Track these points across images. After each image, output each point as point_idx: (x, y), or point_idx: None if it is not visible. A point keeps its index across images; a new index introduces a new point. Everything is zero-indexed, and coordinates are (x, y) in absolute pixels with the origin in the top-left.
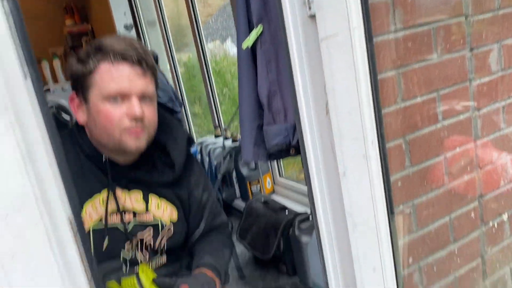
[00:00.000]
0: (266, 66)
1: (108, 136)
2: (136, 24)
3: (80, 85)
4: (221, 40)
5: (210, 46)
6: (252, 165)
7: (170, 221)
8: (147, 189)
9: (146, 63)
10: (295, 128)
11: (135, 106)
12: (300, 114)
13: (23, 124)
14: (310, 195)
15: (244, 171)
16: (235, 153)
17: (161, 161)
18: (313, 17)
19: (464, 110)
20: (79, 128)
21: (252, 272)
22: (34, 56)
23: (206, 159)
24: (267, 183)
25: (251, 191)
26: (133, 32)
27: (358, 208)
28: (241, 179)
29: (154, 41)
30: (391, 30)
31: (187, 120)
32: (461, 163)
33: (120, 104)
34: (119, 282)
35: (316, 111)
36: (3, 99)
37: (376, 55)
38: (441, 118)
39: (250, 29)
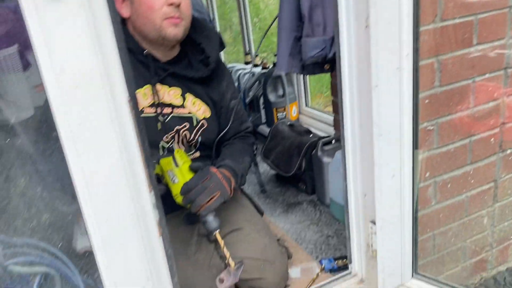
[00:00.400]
0: None
1: (150, 24)
2: None
3: None
4: None
5: None
6: (280, 91)
7: (204, 117)
8: (185, 87)
9: None
10: (333, 41)
11: None
12: (340, 26)
13: (93, 6)
14: (340, 105)
15: (272, 97)
16: (264, 80)
17: (196, 59)
18: None
19: (499, 37)
20: (122, 24)
21: (273, 188)
22: None
23: (235, 84)
24: (293, 111)
25: (277, 117)
26: None
27: (386, 119)
28: (268, 105)
29: None
30: None
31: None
32: (489, 89)
33: None
34: (158, 162)
35: (356, 24)
36: None
37: None
38: (475, 42)
39: None
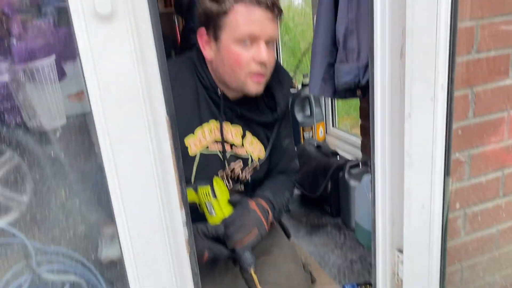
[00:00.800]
0: (347, 5)
1: (233, 76)
2: None
3: (213, 23)
4: None
5: None
6: (307, 111)
7: (258, 158)
8: (246, 126)
9: (277, 7)
10: (366, 68)
11: (263, 51)
12: (375, 54)
13: (140, 30)
14: (371, 132)
15: (299, 117)
16: (292, 99)
17: (263, 102)
18: None
19: None
20: (201, 59)
21: (298, 209)
22: None
23: None
24: (320, 131)
25: (303, 137)
26: None
27: (418, 149)
28: (295, 124)
29: None
30: None
31: None
32: None
33: (249, 48)
34: (196, 190)
35: (391, 52)
36: (127, 5)
37: (459, 2)
38: (511, 75)
39: None
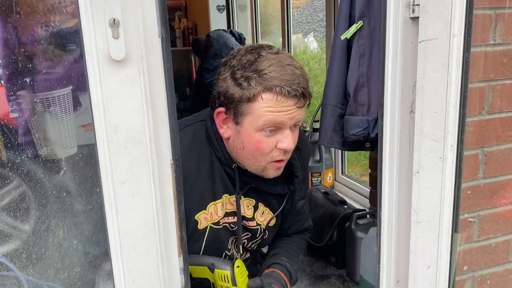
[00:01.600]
0: (359, 59)
1: (253, 161)
2: (228, 7)
3: (234, 107)
4: (303, 34)
5: (291, 38)
6: (317, 157)
7: (267, 225)
8: (259, 198)
9: (307, 94)
10: (376, 122)
11: (288, 141)
12: (384, 109)
13: (151, 74)
14: (379, 187)
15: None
16: None
17: (282, 173)
18: (414, 19)
19: None
20: (216, 132)
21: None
22: (167, 19)
23: None
24: (328, 177)
25: (311, 182)
26: (223, 14)
27: (425, 207)
28: None
29: (242, 25)
30: (490, 43)
31: None
32: None
33: (273, 135)
34: (212, 270)
35: (401, 108)
36: (140, 50)
37: (470, 63)
38: None
39: (350, 23)
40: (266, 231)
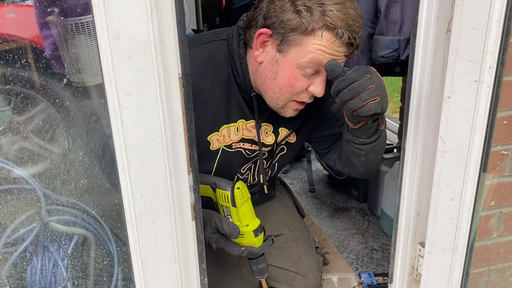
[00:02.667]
0: None
1: (278, 94)
2: None
3: (284, 34)
4: None
5: None
6: None
7: (286, 142)
8: (278, 123)
9: (358, 48)
10: (408, 42)
11: (321, 87)
12: (418, 28)
13: None
14: (405, 114)
15: None
16: None
17: None
18: None
19: None
20: (241, 52)
21: (323, 189)
22: None
23: None
24: None
25: None
26: None
27: (454, 135)
28: None
29: None
30: None
31: None
32: None
33: (309, 77)
34: (214, 189)
35: (436, 26)
36: None
37: None
38: None
39: None
40: (285, 147)
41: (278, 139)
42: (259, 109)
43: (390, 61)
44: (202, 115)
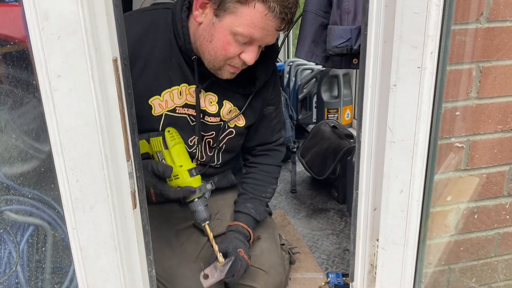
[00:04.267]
0: None
1: (213, 56)
2: None
3: (223, 1)
4: None
5: None
6: (335, 92)
7: (235, 125)
8: (223, 95)
9: (291, 23)
10: (360, 31)
11: (252, 56)
12: (370, 15)
13: None
14: (359, 105)
15: (325, 96)
16: (320, 77)
17: (243, 72)
18: None
19: None
20: (184, 15)
21: (304, 190)
22: None
23: (293, 79)
24: (346, 114)
25: (327, 118)
26: None
27: (400, 125)
28: (320, 104)
29: None
30: None
31: (288, 40)
32: None
33: (242, 44)
34: (148, 141)
35: (385, 14)
36: None
37: None
38: None
39: None
40: (233, 130)
41: (222, 111)
42: (201, 74)
43: (344, 51)
44: (140, 79)
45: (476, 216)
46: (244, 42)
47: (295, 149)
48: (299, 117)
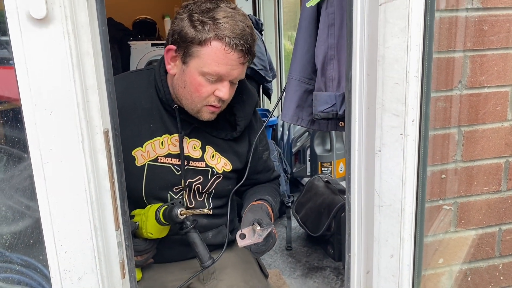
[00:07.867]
0: (327, 29)
1: (190, 101)
2: None
3: (185, 47)
4: None
5: None
6: (328, 146)
7: (223, 171)
8: (205, 140)
9: (251, 53)
10: (344, 98)
11: (225, 91)
12: (353, 83)
13: (79, 35)
14: (347, 168)
15: (318, 150)
16: (313, 131)
17: (225, 118)
18: None
19: None
20: (162, 71)
21: (300, 247)
22: None
23: (286, 133)
24: (340, 168)
25: (321, 171)
26: (249, 3)
27: (387, 189)
28: (313, 158)
29: (267, 13)
30: (465, 8)
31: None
32: None
33: (213, 82)
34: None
35: (367, 82)
36: (64, 9)
37: (434, 28)
38: (510, 117)
39: None
40: (221, 175)
41: (205, 156)
42: (184, 122)
43: (330, 115)
44: (123, 131)
45: (469, 278)
46: (214, 80)
47: (289, 204)
48: (293, 170)
